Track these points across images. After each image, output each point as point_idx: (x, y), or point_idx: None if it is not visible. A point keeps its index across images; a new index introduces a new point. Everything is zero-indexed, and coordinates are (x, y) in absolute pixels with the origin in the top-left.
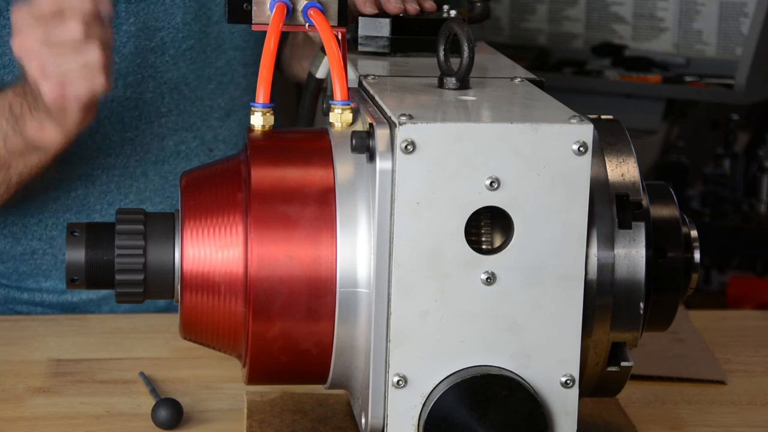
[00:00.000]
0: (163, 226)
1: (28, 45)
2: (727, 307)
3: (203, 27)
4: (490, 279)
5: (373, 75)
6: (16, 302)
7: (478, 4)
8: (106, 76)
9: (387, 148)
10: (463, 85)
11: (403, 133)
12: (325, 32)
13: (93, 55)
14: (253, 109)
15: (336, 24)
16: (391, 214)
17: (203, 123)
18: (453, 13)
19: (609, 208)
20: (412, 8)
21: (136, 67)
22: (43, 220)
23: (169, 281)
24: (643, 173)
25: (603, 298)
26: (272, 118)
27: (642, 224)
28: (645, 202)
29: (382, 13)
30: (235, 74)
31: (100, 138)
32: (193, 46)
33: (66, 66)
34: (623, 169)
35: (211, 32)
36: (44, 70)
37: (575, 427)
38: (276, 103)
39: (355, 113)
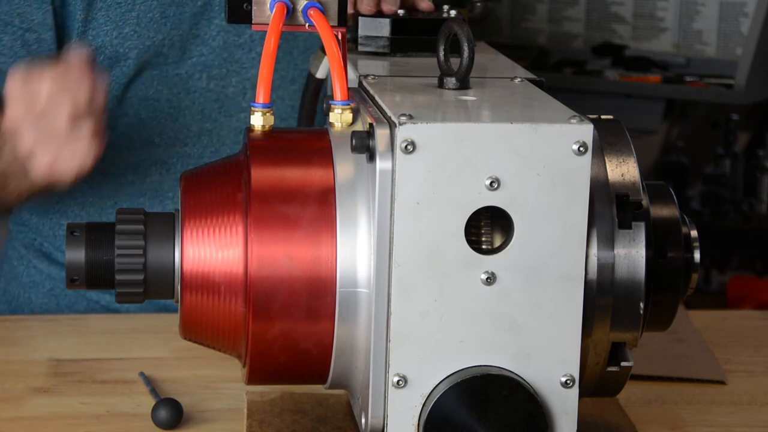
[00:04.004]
0: (163, 226)
1: (19, 120)
2: (727, 307)
3: None
4: (490, 279)
5: (373, 75)
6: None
7: (478, 4)
8: (95, 153)
9: (387, 148)
10: (463, 85)
11: (403, 133)
12: (325, 32)
13: (82, 140)
14: (252, 109)
15: (336, 24)
16: (391, 214)
17: (282, 122)
18: (453, 13)
19: (609, 208)
20: (388, 8)
21: (222, 60)
22: (119, 202)
23: (169, 281)
24: (643, 173)
25: (603, 298)
26: (272, 118)
27: (642, 224)
28: (645, 202)
29: (357, 13)
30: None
31: (179, 127)
32: (280, 45)
33: (55, 149)
34: (623, 169)
35: (301, 35)
36: (34, 148)
37: (575, 427)
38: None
39: (355, 113)
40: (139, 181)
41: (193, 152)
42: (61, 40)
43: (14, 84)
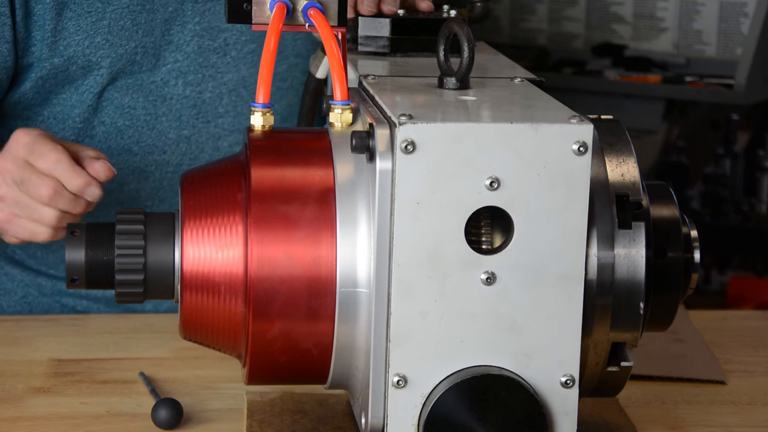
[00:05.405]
0: (163, 226)
1: (2, 169)
2: (727, 307)
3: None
4: (490, 279)
5: (373, 75)
6: (63, 294)
7: (478, 4)
8: (51, 235)
9: (387, 148)
10: (463, 85)
11: (403, 133)
12: (325, 32)
13: (46, 219)
14: (253, 109)
15: (336, 24)
16: (391, 214)
17: None
18: (453, 13)
19: (609, 208)
20: (388, 9)
21: (197, 66)
22: (95, 211)
23: (169, 281)
24: (643, 173)
25: (603, 298)
26: (272, 118)
27: (642, 224)
28: (645, 202)
29: (357, 14)
30: (294, 81)
31: (157, 134)
32: (255, 49)
33: (18, 212)
34: (623, 169)
35: None
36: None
37: (575, 427)
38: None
39: (355, 113)
40: (117, 190)
41: (171, 160)
42: (24, 52)
43: (23, 139)
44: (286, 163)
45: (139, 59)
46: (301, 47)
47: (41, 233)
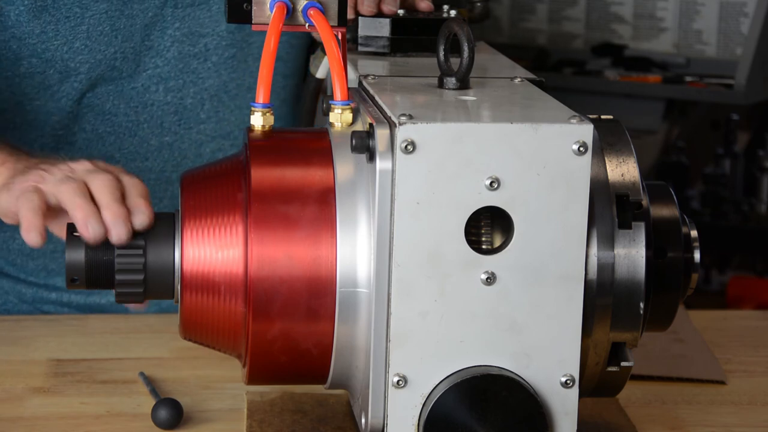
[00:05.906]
0: (163, 226)
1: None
2: (727, 307)
3: (246, 36)
4: (490, 279)
5: (373, 75)
6: (44, 302)
7: (478, 4)
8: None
9: (387, 148)
10: (463, 85)
11: (403, 133)
12: (325, 32)
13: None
14: (253, 109)
15: (336, 24)
16: (391, 214)
17: (241, 131)
18: (453, 13)
19: (609, 208)
20: (388, 9)
21: (178, 72)
22: None
23: (169, 281)
24: (643, 173)
25: (603, 298)
26: (272, 118)
27: (642, 224)
28: (645, 202)
29: (357, 14)
30: (275, 85)
31: (138, 141)
32: (235, 54)
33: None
34: (623, 169)
35: (254, 42)
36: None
37: (575, 427)
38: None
39: (355, 113)
40: None
41: (153, 166)
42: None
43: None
44: (286, 163)
45: (118, 65)
46: (281, 50)
47: (27, 226)
